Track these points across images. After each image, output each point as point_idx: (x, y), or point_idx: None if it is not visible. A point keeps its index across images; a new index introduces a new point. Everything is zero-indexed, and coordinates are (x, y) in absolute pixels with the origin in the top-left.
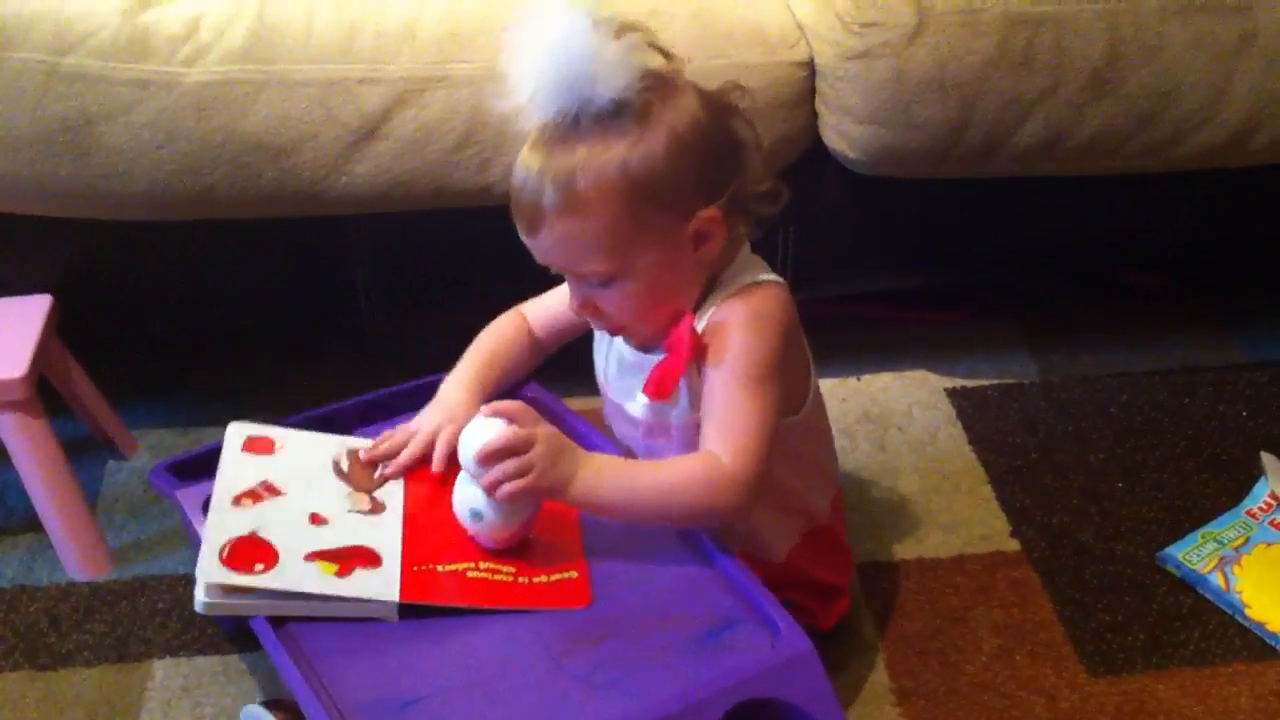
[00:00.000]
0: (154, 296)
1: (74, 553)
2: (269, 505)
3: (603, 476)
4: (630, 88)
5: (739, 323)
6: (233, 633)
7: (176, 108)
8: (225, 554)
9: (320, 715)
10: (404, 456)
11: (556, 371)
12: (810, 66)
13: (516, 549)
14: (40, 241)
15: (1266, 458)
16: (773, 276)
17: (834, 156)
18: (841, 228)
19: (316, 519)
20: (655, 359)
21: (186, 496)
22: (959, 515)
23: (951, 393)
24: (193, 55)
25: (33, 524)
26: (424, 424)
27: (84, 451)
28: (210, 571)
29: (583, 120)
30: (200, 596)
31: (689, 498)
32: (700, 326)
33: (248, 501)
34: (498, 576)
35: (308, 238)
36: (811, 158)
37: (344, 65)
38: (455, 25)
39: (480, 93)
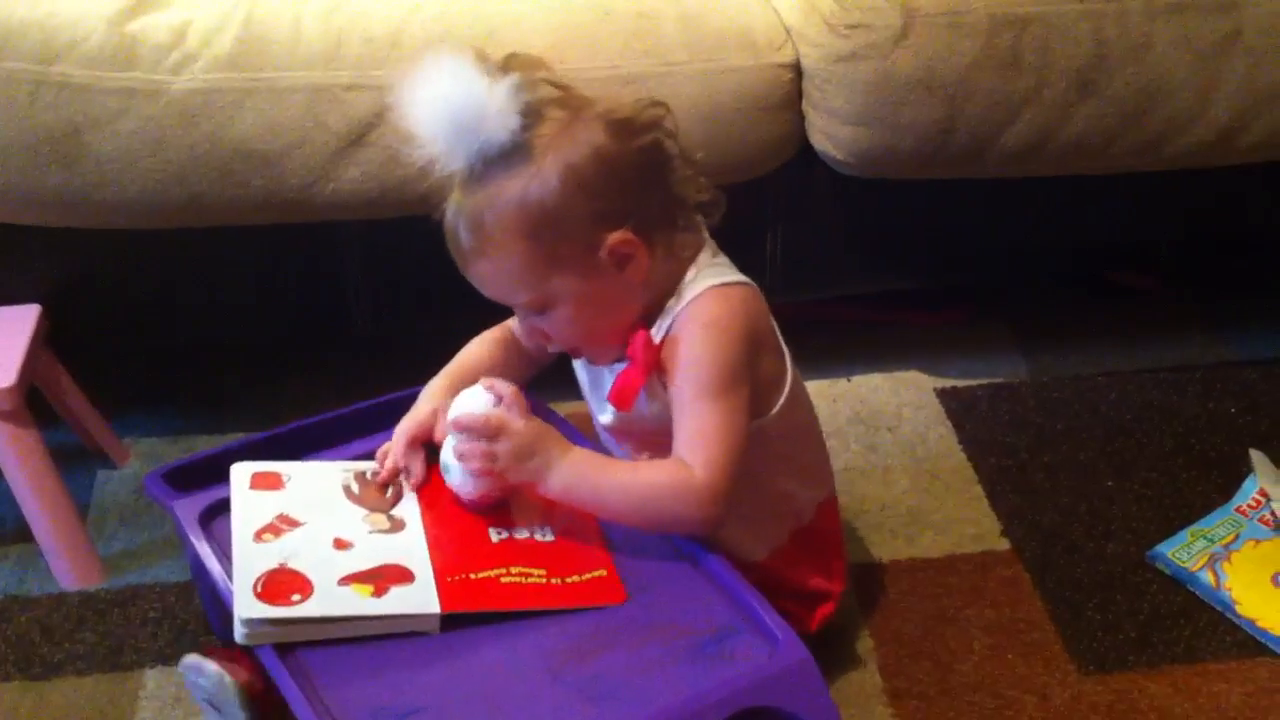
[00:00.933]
0: (144, 305)
1: (65, 563)
2: (291, 536)
3: (577, 477)
4: (519, 128)
5: (693, 334)
6: (227, 640)
7: (164, 116)
8: (260, 589)
9: None
10: (413, 475)
11: (552, 377)
12: (797, 69)
13: (543, 553)
14: (29, 251)
15: (1255, 455)
16: (735, 278)
17: (822, 159)
18: (830, 230)
19: (341, 544)
20: (621, 368)
21: (182, 507)
22: (950, 515)
23: (942, 393)
24: (180, 63)
25: (23, 534)
26: (396, 438)
27: (75, 461)
28: (249, 608)
29: (484, 163)
30: (240, 630)
31: (660, 507)
32: (659, 337)
33: (269, 536)
34: (530, 580)
35: (299, 245)
36: (800, 160)
37: (331, 72)
38: (443, 31)
39: None
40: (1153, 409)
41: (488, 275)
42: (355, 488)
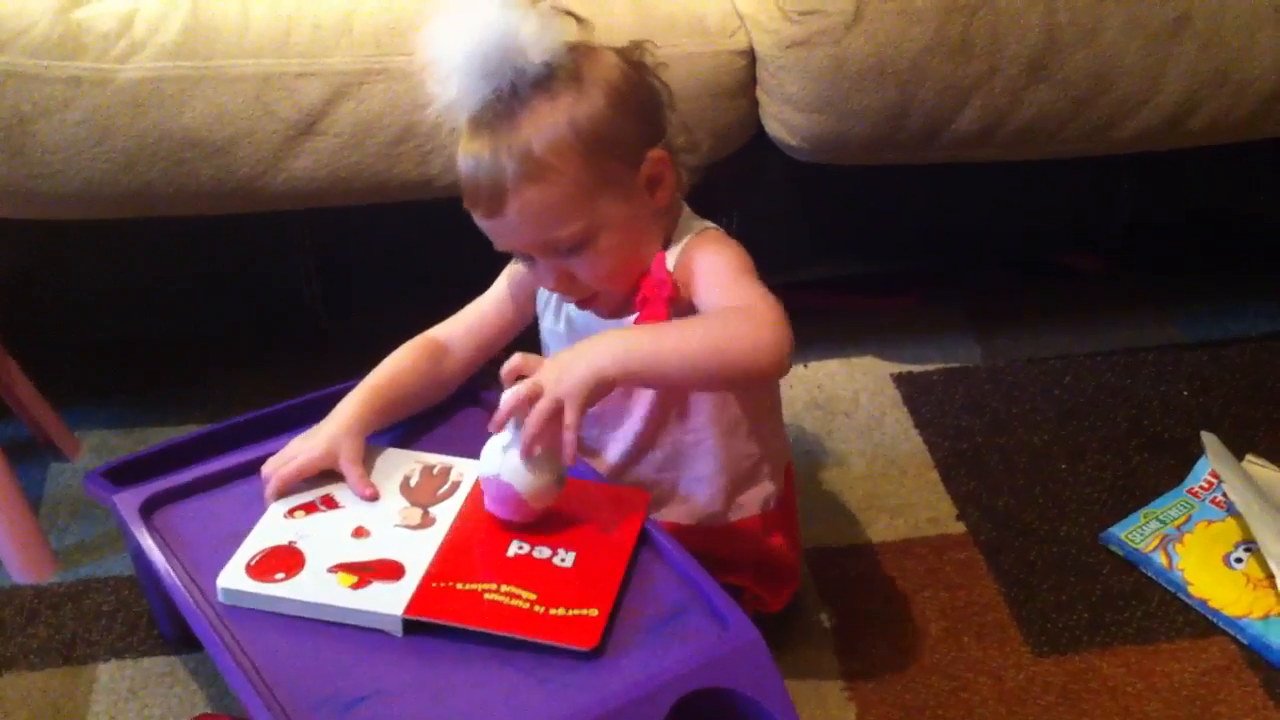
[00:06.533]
0: (95, 296)
1: (17, 556)
2: (320, 518)
3: (627, 341)
4: (559, 50)
5: (707, 248)
6: (174, 640)
7: (111, 105)
8: (253, 562)
9: (264, 717)
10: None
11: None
12: (750, 55)
13: (547, 576)
14: None
15: (1207, 437)
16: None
17: (776, 145)
18: (784, 215)
19: (360, 532)
20: (624, 323)
21: (123, 500)
22: (905, 499)
23: (898, 378)
24: (127, 52)
25: None
26: (310, 451)
27: (26, 454)
28: (230, 578)
29: (520, 91)
30: (221, 586)
31: (739, 333)
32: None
33: (301, 513)
34: (514, 601)
35: (252, 235)
36: (753, 146)
37: (280, 60)
38: (393, 18)
39: (419, 86)
40: (1105, 392)
41: (536, 205)
42: (415, 480)
